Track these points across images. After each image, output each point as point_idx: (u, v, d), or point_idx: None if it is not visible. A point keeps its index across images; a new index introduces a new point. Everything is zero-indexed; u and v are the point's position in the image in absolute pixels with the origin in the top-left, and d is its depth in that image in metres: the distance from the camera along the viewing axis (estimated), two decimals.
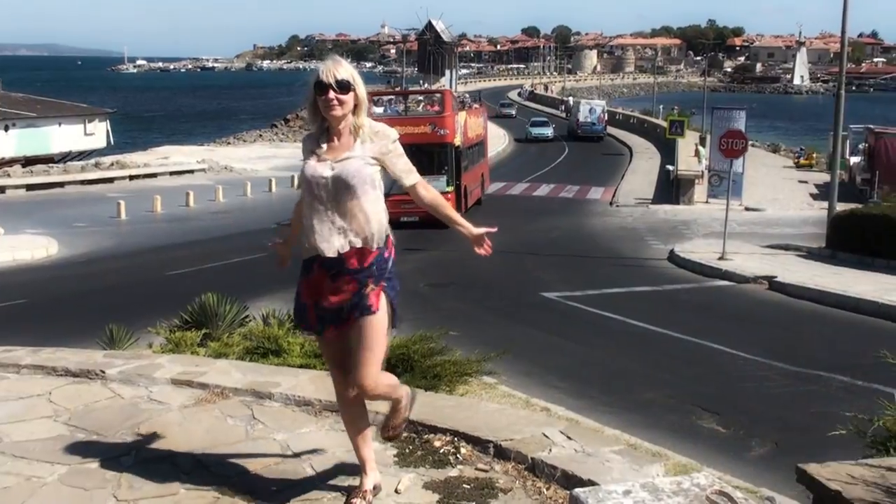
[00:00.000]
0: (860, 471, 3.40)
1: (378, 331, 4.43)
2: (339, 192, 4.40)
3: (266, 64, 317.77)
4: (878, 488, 3.19)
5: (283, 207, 31.97)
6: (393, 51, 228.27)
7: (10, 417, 5.94)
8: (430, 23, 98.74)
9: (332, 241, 4.38)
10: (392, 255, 4.54)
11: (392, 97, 34.49)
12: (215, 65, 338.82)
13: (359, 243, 4.39)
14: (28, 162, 45.30)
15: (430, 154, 26.72)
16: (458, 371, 7.15)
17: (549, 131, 63.27)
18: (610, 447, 5.23)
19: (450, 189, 26.94)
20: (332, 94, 4.38)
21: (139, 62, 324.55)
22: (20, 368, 7.05)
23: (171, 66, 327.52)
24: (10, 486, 4.87)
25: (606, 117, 66.06)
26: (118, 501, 4.70)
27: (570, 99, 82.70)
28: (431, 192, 4.69)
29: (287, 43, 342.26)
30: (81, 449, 5.40)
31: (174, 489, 4.82)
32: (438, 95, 31.88)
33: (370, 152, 4.46)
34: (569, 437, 5.33)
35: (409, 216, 22.92)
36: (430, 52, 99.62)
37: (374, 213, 4.43)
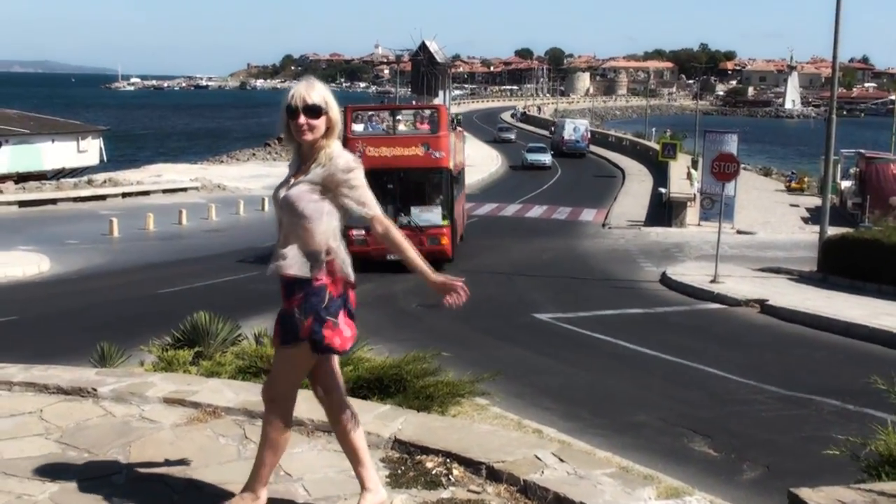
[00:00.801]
0: (852, 495, 3.41)
1: (287, 362, 4.49)
2: (285, 216, 4.43)
3: (260, 83, 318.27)
4: None
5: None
6: (387, 71, 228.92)
7: (1, 435, 5.91)
8: (423, 44, 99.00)
9: (280, 260, 4.40)
10: (332, 290, 4.38)
11: (374, 113, 29.02)
12: (209, 83, 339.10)
13: (285, 269, 4.36)
14: (21, 178, 45.21)
15: (421, 180, 24.13)
16: (450, 392, 7.14)
17: (546, 158, 58.90)
18: (602, 470, 5.23)
19: (445, 223, 23.68)
20: (302, 120, 4.35)
21: (133, 79, 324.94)
22: (11, 385, 7.01)
23: (166, 84, 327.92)
24: None
25: (589, 135, 68.64)
26: None
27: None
28: (391, 228, 4.48)
29: (281, 62, 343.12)
30: (73, 467, 5.38)
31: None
32: (432, 112, 26.73)
33: (317, 178, 4.38)
34: (561, 460, 5.33)
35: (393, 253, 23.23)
36: (424, 72, 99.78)
37: (310, 240, 4.37)
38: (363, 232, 19.74)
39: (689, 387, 12.00)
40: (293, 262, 4.36)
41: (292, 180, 4.46)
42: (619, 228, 33.90)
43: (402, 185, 23.56)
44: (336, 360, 4.65)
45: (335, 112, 4.44)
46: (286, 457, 5.51)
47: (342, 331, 4.39)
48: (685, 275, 22.34)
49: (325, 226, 4.39)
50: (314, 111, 4.36)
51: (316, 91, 4.40)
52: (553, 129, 79.66)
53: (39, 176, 47.08)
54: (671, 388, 11.89)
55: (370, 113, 28.55)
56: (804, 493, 3.39)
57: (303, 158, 4.49)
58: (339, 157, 4.41)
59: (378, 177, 19.03)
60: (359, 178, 4.42)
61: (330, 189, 4.38)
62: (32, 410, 6.44)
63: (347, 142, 21.82)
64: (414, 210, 23.50)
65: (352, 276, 4.47)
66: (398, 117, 26.75)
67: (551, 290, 20.96)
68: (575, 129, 67.90)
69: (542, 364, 13.28)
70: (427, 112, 27.73)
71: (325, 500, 4.95)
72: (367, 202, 4.42)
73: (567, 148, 65.19)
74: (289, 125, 4.41)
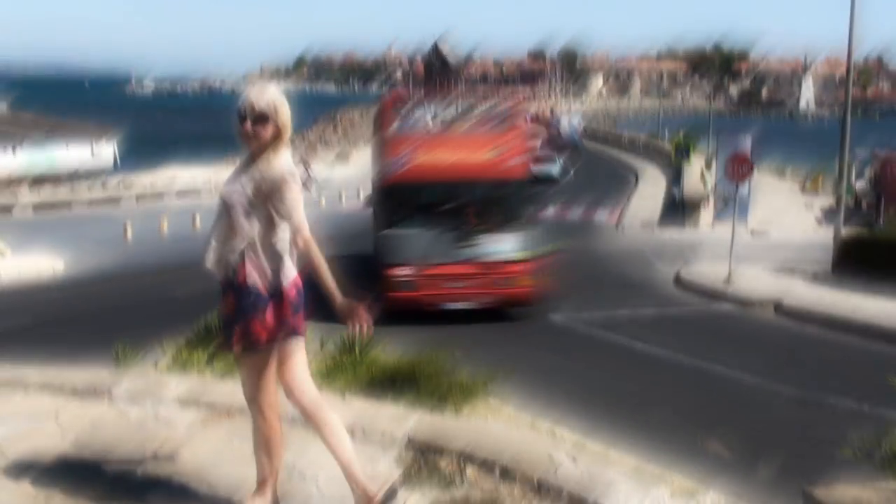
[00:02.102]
0: (867, 494, 3.40)
1: (249, 365, 4.56)
2: (220, 213, 4.55)
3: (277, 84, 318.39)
4: None
5: None
6: (399, 73, 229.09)
7: (17, 436, 5.94)
8: (435, 45, 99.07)
9: (209, 253, 4.52)
10: (261, 289, 4.41)
11: (426, 104, 19.91)
12: (223, 86, 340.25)
13: (214, 266, 4.51)
14: (35, 182, 45.47)
15: (491, 197, 17.46)
16: (463, 391, 7.15)
17: (554, 168, 51.50)
18: (615, 469, 5.23)
19: (524, 255, 17.24)
20: (248, 126, 4.36)
21: (146, 82, 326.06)
22: (27, 387, 7.05)
23: (179, 87, 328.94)
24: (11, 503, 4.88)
25: (582, 129, 78.76)
26: None
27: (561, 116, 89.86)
28: (313, 246, 4.41)
29: (294, 64, 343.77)
30: (88, 468, 5.40)
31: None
32: (506, 105, 19.39)
33: (252, 182, 4.40)
34: (574, 459, 5.32)
35: (454, 301, 16.94)
36: (436, 74, 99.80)
37: (235, 238, 4.43)
38: (408, 270, 16.63)
39: (702, 387, 11.97)
40: (218, 261, 4.50)
41: (234, 180, 4.53)
42: (633, 229, 33.82)
43: (463, 205, 17.15)
44: (302, 359, 4.62)
45: (284, 118, 4.42)
46: (299, 456, 5.53)
47: (269, 323, 4.41)
48: (699, 275, 22.28)
49: (248, 229, 4.41)
50: (260, 118, 4.35)
51: (265, 97, 4.39)
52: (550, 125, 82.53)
53: (54, 179, 47.33)
54: (685, 389, 11.87)
55: (418, 105, 19.82)
56: (819, 492, 3.38)
57: (251, 159, 4.50)
58: (275, 168, 4.39)
59: (428, 193, 17.29)
60: (291, 191, 4.38)
61: (260, 195, 4.38)
62: (48, 412, 6.47)
63: (387, 145, 17.75)
64: (480, 238, 17.05)
65: (284, 284, 4.45)
66: (460, 110, 18.92)
67: (565, 290, 20.92)
68: (569, 123, 75.78)
69: (557, 364, 13.28)
70: (499, 103, 19.67)
71: (338, 498, 4.95)
72: (294, 215, 4.39)
73: (562, 141, 68.07)
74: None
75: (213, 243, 4.51)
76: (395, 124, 18.02)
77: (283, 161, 4.44)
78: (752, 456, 8.96)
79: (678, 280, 22.14)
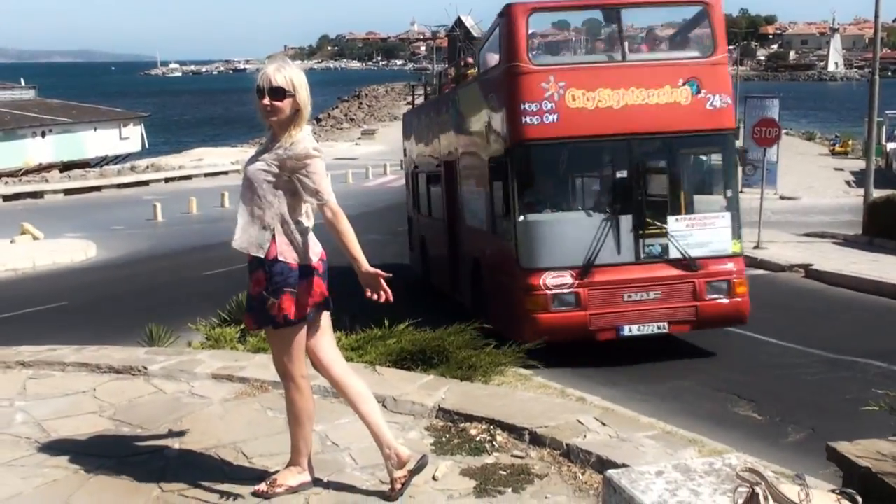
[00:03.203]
0: (890, 447, 3.44)
1: (275, 342, 4.64)
2: (244, 191, 4.60)
3: (297, 64, 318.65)
4: None
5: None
6: (423, 48, 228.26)
7: (57, 413, 6.10)
8: (459, 19, 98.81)
9: (237, 233, 4.59)
10: (292, 265, 4.52)
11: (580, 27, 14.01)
12: (247, 66, 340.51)
13: (243, 244, 4.56)
14: (65, 167, 45.90)
15: (683, 160, 12.02)
16: (492, 362, 7.23)
17: None
18: (644, 433, 5.29)
19: (737, 249, 11.52)
20: (266, 101, 4.44)
21: (171, 65, 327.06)
22: (65, 366, 7.21)
23: (204, 69, 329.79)
24: (58, 479, 5.01)
25: None
26: (163, 492, 4.82)
27: None
28: (341, 218, 4.53)
29: (317, 43, 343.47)
30: (126, 442, 5.54)
31: (218, 479, 4.93)
32: (697, 12, 12.24)
33: (277, 159, 4.48)
34: (603, 424, 5.39)
35: (639, 322, 11.02)
36: (461, 48, 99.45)
37: (263, 218, 4.52)
38: (566, 278, 10.71)
39: (732, 352, 11.95)
40: (247, 239, 4.56)
41: (258, 157, 4.59)
42: None
43: (640, 171, 11.33)
44: (329, 332, 4.78)
45: (303, 95, 4.50)
46: (333, 427, 5.63)
47: (300, 297, 4.52)
48: None
49: (277, 205, 4.51)
50: (278, 93, 4.42)
51: (283, 73, 4.46)
52: None
53: (83, 164, 47.75)
54: (713, 354, 11.86)
55: (565, 22, 14.50)
56: (843, 447, 3.43)
57: (273, 138, 4.59)
58: (298, 143, 4.47)
59: (592, 156, 11.62)
60: (315, 167, 4.48)
61: (285, 171, 4.47)
62: (86, 389, 6.63)
63: (522, 79, 11.00)
64: (672, 223, 11.20)
65: (313, 260, 4.58)
66: (630, 24, 12.48)
67: None
68: None
69: None
70: (687, 11, 12.69)
71: (371, 467, 5.05)
72: (322, 190, 4.49)
73: None
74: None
75: (241, 222, 4.58)
76: (533, 49, 11.59)
77: (305, 136, 4.53)
78: (782, 419, 8.98)
79: None
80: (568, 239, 10.96)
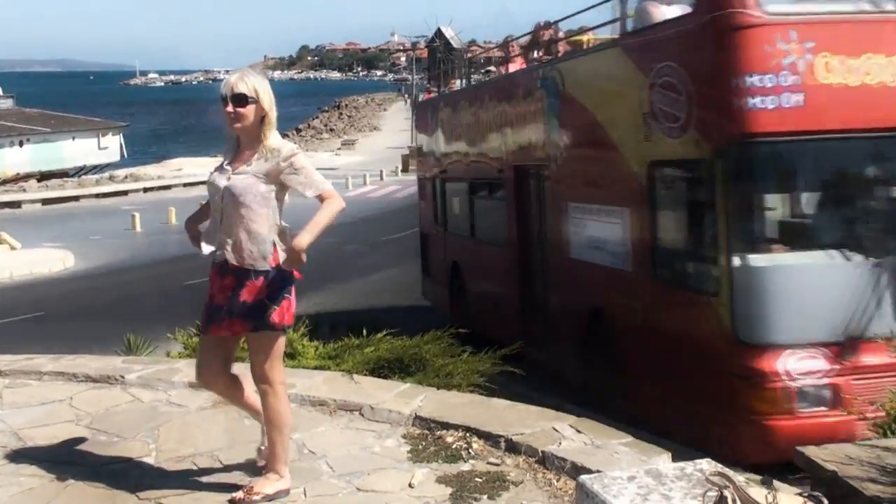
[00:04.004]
0: (857, 451, 3.50)
1: (268, 346, 4.62)
2: (228, 205, 4.54)
3: (277, 74, 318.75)
4: (872, 467, 3.29)
5: (297, 216, 31.89)
6: (403, 59, 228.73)
7: (34, 422, 6.09)
8: (439, 30, 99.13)
9: (232, 252, 4.54)
10: (287, 274, 4.58)
11: None
12: (226, 76, 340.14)
13: (248, 261, 4.53)
14: (43, 177, 45.68)
15: None
16: (470, 369, 7.25)
17: None
18: (619, 440, 5.34)
19: None
20: (230, 108, 4.48)
21: (151, 75, 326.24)
22: (42, 375, 7.20)
23: (183, 79, 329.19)
24: (34, 487, 5.00)
25: None
26: (140, 500, 4.81)
27: None
28: (335, 200, 4.57)
29: (298, 53, 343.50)
30: (104, 451, 5.53)
31: (195, 488, 4.94)
32: None
33: (263, 169, 4.52)
34: (578, 431, 5.44)
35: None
36: (441, 59, 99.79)
37: (257, 232, 4.52)
38: (822, 365, 6.66)
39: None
40: (249, 255, 4.52)
41: (230, 169, 4.60)
42: None
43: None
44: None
45: (268, 102, 4.53)
46: (310, 435, 5.66)
47: (291, 306, 4.64)
48: None
49: (271, 216, 4.55)
50: (240, 100, 4.47)
51: (246, 81, 4.52)
52: None
53: (62, 174, 47.56)
54: None
55: None
56: (810, 450, 3.49)
57: (241, 148, 4.64)
58: (283, 146, 4.57)
59: (846, 160, 7.30)
60: (301, 161, 4.57)
61: (274, 178, 4.53)
62: (63, 398, 6.62)
63: (744, 36, 6.80)
64: None
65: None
66: None
67: None
68: None
69: None
70: None
71: (348, 475, 5.07)
72: (316, 181, 4.56)
73: None
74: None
75: (234, 240, 4.54)
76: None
77: (281, 141, 4.62)
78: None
79: None
80: (821, 295, 6.85)
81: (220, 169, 4.66)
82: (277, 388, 4.69)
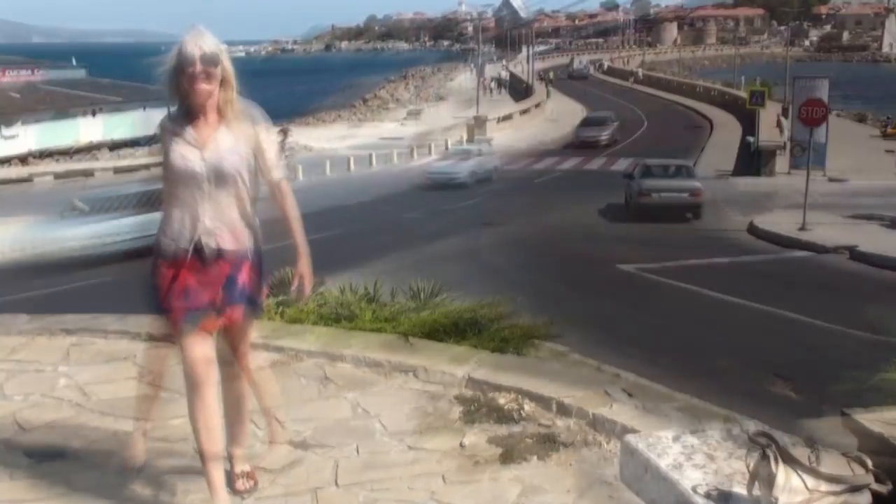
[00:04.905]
0: None
1: (250, 325, 4.39)
2: (215, 183, 4.08)
3: (344, 45, 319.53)
4: None
5: (362, 185, 32.30)
6: (470, 28, 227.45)
7: (98, 378, 6.27)
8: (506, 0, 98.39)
9: (228, 237, 4.13)
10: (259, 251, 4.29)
11: None
12: (294, 47, 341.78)
13: (230, 245, 4.12)
14: (115, 146, 46.53)
15: None
16: (525, 334, 7.27)
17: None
18: (671, 404, 5.33)
19: None
20: (199, 68, 3.95)
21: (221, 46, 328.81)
22: (107, 334, 7.39)
23: (252, 49, 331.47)
24: (98, 440, 5.16)
25: (589, 67, 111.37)
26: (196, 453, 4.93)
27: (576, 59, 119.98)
28: (288, 195, 4.20)
29: (365, 23, 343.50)
30: (165, 407, 5.67)
31: (254, 443, 5.05)
32: None
33: (243, 143, 4.09)
34: (630, 395, 5.44)
35: None
36: (507, 29, 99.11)
37: (248, 207, 4.17)
38: None
39: (773, 333, 11.91)
40: (246, 240, 4.19)
41: (197, 143, 4.09)
42: (708, 178, 33.38)
43: None
44: None
45: (229, 62, 4.07)
46: (364, 395, 5.73)
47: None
48: (774, 223, 22.01)
49: (252, 194, 4.19)
50: (211, 60, 3.97)
51: (208, 39, 4.01)
52: (570, 63, 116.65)
53: (133, 142, 48.36)
54: (755, 335, 11.81)
55: None
56: (857, 413, 3.45)
57: (199, 115, 4.09)
58: (251, 108, 4.16)
59: None
60: (271, 134, 4.29)
61: (252, 147, 4.13)
62: (126, 356, 6.79)
63: None
64: None
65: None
66: None
67: (636, 241, 20.84)
68: (580, 62, 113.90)
69: (625, 313, 13.30)
70: None
71: (400, 434, 5.15)
72: (278, 164, 4.22)
73: (576, 73, 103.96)
74: (174, 79, 4.04)
75: (228, 226, 4.13)
76: None
77: (246, 101, 4.20)
78: (819, 398, 8.94)
79: (752, 228, 21.90)
80: None
81: (185, 144, 4.12)
82: (247, 365, 4.50)
